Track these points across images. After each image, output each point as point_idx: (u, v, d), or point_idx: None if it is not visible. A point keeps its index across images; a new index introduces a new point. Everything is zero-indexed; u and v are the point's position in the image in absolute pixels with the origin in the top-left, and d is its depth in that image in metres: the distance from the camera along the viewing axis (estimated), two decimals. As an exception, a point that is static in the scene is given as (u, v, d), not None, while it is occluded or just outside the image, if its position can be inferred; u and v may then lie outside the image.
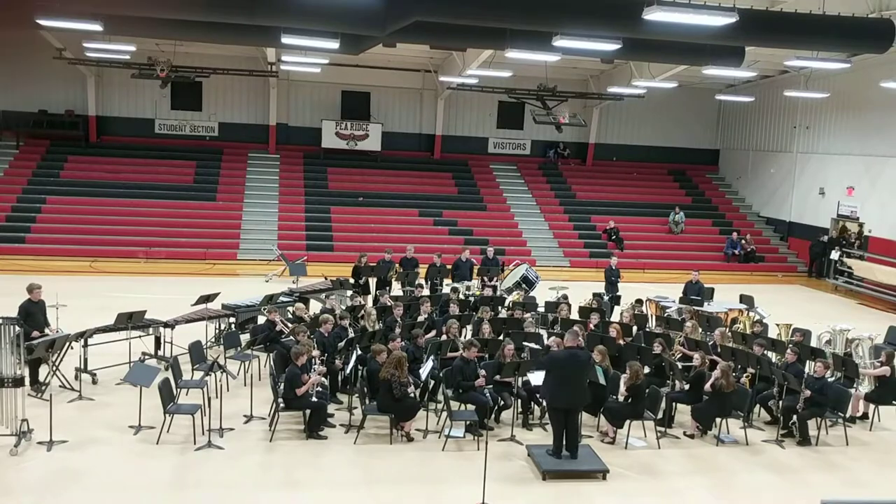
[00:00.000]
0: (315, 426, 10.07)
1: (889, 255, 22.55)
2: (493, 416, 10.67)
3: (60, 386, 11.22)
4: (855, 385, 11.92)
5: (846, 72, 21.33)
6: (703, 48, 16.80)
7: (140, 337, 12.78)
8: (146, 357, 12.60)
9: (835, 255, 24.07)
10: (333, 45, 15.67)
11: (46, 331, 11.63)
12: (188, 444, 9.57)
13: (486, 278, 17.38)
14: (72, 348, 11.67)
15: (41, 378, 11.25)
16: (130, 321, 12.33)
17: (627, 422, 10.43)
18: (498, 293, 16.60)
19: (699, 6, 11.78)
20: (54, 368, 11.26)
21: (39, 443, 9.35)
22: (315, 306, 15.65)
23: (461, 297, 15.28)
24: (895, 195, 22.92)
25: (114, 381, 11.66)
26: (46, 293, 12.04)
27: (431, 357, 11.21)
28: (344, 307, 14.19)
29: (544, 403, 10.49)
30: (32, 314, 11.54)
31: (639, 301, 15.74)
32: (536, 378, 10.57)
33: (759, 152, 30.15)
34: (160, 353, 12.84)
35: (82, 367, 11.68)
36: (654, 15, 11.56)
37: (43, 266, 20.53)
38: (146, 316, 12.74)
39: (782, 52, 19.38)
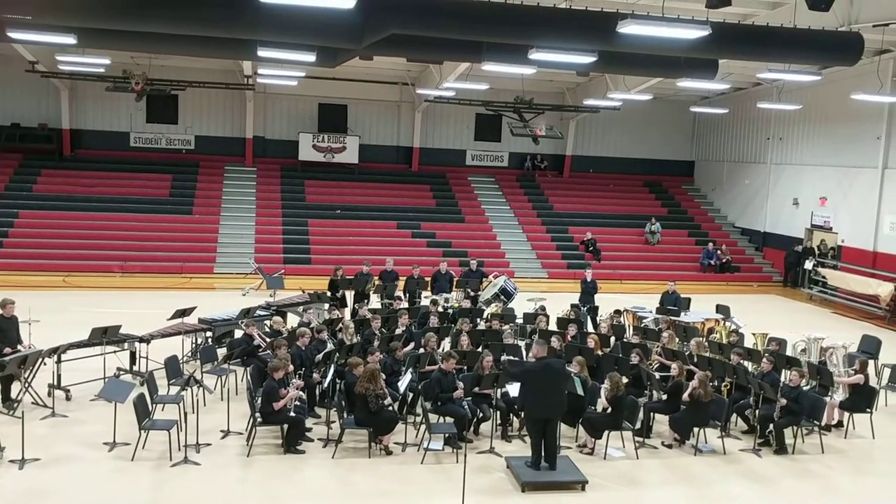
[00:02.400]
0: (293, 441, 9.99)
1: (862, 265, 22.88)
2: (471, 428, 10.64)
3: (33, 403, 11.04)
4: (830, 393, 12.04)
5: (818, 84, 21.69)
6: (678, 61, 16.99)
7: (115, 352, 12.59)
8: (121, 372, 12.44)
9: (809, 265, 24.37)
10: (310, 58, 15.68)
11: (19, 347, 11.46)
12: (164, 461, 9.45)
13: (467, 290, 17.34)
14: (45, 364, 11.49)
15: (13, 395, 11.05)
16: (105, 336, 12.18)
17: (606, 432, 10.46)
18: (477, 305, 16.62)
19: (673, 19, 11.93)
20: (27, 385, 11.07)
21: (11, 461, 9.18)
22: (293, 320, 15.57)
23: (440, 309, 15.29)
24: (867, 205, 23.26)
25: (88, 397, 11.50)
26: (19, 308, 11.85)
27: (410, 370, 11.17)
28: (321, 321, 14.13)
29: (523, 415, 10.50)
30: (4, 330, 11.38)
31: (616, 312, 15.83)
32: (515, 389, 10.57)
33: (734, 163, 30.49)
34: (135, 368, 12.67)
35: (56, 383, 11.52)
36: (628, 28, 11.70)
37: (15, 281, 20.25)
38: (121, 331, 12.60)
39: (755, 65, 19.65)
